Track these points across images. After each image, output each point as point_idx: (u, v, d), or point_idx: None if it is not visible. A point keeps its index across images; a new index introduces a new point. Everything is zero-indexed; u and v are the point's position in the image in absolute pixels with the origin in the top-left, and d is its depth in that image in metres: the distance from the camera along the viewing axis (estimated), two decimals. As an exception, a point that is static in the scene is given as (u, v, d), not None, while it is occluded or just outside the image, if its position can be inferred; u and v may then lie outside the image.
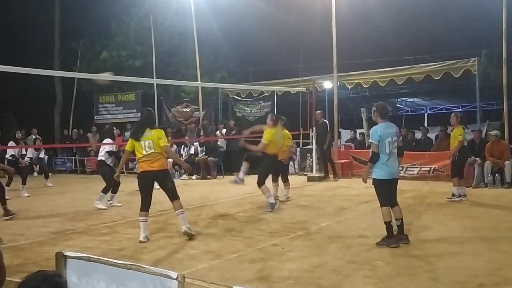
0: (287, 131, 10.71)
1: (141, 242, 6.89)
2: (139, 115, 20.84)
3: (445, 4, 18.73)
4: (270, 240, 6.90)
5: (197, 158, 16.63)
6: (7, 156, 13.35)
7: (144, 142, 6.98)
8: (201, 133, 17.79)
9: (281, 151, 10.10)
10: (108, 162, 10.61)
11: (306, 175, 15.09)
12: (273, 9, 19.89)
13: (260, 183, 9.32)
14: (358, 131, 18.01)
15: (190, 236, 7.02)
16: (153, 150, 6.96)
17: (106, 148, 10.71)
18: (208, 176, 16.24)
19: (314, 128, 14.80)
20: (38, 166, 14.54)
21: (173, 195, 7.14)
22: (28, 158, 13.97)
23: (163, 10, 20.36)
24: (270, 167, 9.77)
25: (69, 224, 8.59)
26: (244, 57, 22.13)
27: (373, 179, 6.53)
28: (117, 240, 7.25)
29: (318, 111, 15.04)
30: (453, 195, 10.03)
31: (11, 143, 13.32)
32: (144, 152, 6.96)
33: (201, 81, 18.03)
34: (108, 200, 10.41)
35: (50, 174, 15.80)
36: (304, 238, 7.03)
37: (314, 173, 14.70)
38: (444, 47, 17.60)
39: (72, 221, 8.89)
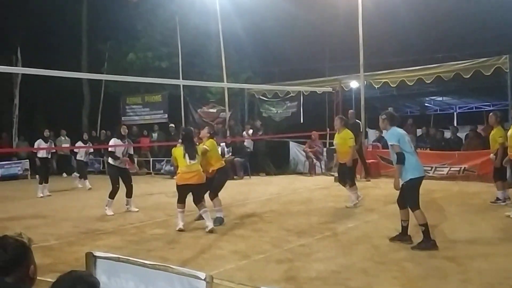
0: (348, 131, 9.97)
1: (180, 230, 7.69)
2: (165, 116, 21.25)
3: (473, 1, 18.40)
4: (297, 241, 6.87)
5: (223, 159, 16.64)
6: (38, 155, 13.66)
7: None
8: (228, 134, 17.81)
9: (342, 153, 9.87)
10: (116, 163, 10.03)
11: (333, 175, 14.93)
12: (299, 9, 19.79)
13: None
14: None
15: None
16: (195, 162, 7.77)
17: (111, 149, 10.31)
18: (235, 177, 16.24)
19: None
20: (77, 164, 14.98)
21: (199, 201, 7.87)
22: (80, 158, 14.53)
23: (188, 11, 20.43)
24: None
25: (98, 224, 8.69)
26: (270, 57, 22.06)
27: (410, 179, 6.32)
28: (145, 240, 7.31)
29: (351, 111, 14.85)
30: (498, 199, 9.42)
31: (39, 142, 13.55)
32: (188, 163, 7.70)
33: (226, 82, 18.05)
34: (126, 205, 10.16)
35: (78, 174, 16.01)
36: (331, 239, 6.98)
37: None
38: (474, 44, 17.24)
39: (100, 221, 8.99)
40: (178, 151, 7.90)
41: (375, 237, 6.94)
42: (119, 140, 10.22)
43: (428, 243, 6.18)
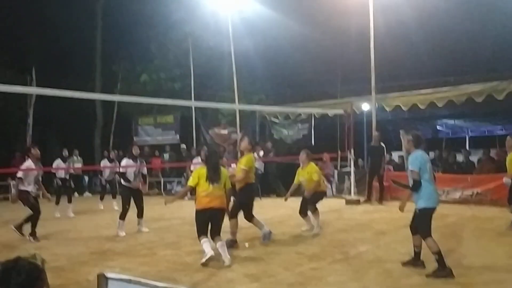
0: (313, 165, 9.69)
1: (211, 257, 6.79)
2: (177, 137, 21.37)
3: (486, 24, 18.41)
4: (309, 264, 6.81)
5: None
6: (58, 175, 13.72)
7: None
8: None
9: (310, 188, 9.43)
10: (127, 185, 10.02)
11: (344, 198, 14.90)
12: (311, 31, 19.93)
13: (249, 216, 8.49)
14: (398, 153, 17.74)
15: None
16: (218, 185, 7.18)
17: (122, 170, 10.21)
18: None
19: (352, 150, 14.69)
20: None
21: (217, 232, 7.17)
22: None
23: (201, 33, 20.68)
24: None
25: (108, 245, 8.68)
26: (282, 79, 22.19)
27: (424, 208, 6.24)
28: (155, 261, 7.29)
29: (375, 133, 14.71)
30: None
31: (58, 162, 13.57)
32: (210, 188, 7.11)
33: (238, 104, 18.17)
34: (137, 225, 10.13)
35: (90, 194, 15.98)
36: (343, 263, 6.92)
37: (352, 196, 14.50)
38: (486, 68, 17.22)
39: (111, 242, 8.99)
40: (202, 171, 7.28)
41: (388, 261, 6.87)
42: (131, 161, 10.26)
43: (443, 271, 6.05)
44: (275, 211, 12.63)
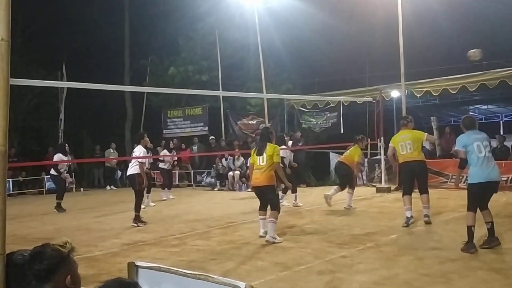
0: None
1: (261, 236, 7.77)
2: (206, 128, 21.46)
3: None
4: (339, 252, 6.78)
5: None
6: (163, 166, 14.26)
7: (259, 157, 7.78)
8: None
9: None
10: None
11: (374, 186, 14.78)
12: (337, 20, 19.75)
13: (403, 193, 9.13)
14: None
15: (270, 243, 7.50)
16: (265, 163, 7.68)
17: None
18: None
19: (382, 138, 14.47)
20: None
21: (273, 206, 7.71)
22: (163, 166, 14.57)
23: (227, 25, 20.69)
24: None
25: (140, 236, 8.80)
26: (309, 68, 22.06)
27: (469, 184, 6.65)
28: (186, 251, 7.35)
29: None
30: None
31: (60, 156, 12.80)
32: (258, 164, 7.76)
33: (266, 93, 18.11)
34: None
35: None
36: (373, 250, 6.86)
37: (383, 184, 14.36)
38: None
39: (142, 233, 9.11)
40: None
41: (419, 248, 6.79)
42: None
43: (467, 245, 6.42)
44: (305, 200, 12.62)
